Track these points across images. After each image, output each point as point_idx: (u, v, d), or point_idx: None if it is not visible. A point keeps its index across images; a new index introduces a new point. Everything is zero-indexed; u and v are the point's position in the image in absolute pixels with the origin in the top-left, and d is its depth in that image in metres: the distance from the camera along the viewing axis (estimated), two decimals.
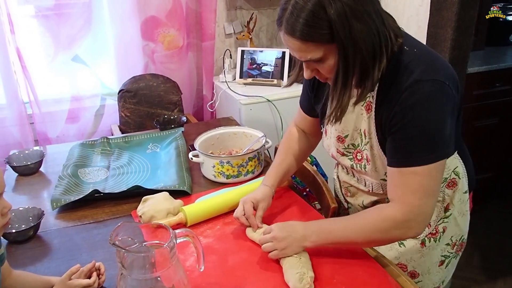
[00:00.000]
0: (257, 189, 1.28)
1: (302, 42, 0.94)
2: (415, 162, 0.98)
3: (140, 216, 1.27)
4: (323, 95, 1.20)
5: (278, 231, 1.09)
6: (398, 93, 0.98)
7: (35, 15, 2.29)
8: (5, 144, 2.34)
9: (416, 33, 2.17)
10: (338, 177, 1.34)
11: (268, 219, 1.27)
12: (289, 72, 2.46)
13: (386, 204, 1.06)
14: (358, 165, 1.17)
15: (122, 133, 2.40)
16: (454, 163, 1.15)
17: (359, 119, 1.11)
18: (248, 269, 1.10)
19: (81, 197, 1.39)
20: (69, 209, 1.39)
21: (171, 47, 2.56)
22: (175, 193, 1.39)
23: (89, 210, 1.39)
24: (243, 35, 2.68)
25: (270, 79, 2.52)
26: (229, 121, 2.10)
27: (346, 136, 1.16)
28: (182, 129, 1.90)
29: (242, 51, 2.57)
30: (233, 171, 1.49)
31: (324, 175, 1.98)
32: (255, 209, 1.22)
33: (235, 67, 2.64)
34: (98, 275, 1.04)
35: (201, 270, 1.01)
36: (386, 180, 1.13)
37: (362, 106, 1.09)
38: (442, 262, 1.24)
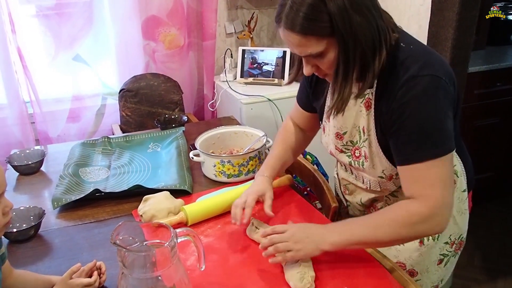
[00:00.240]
0: (256, 180, 1.27)
1: (302, 36, 0.94)
2: (425, 157, 0.97)
3: (141, 216, 1.27)
4: (322, 92, 1.21)
5: (296, 231, 1.04)
6: (395, 89, 0.98)
7: (36, 14, 2.29)
8: (6, 143, 2.34)
9: (417, 33, 2.17)
10: (337, 175, 1.35)
11: (268, 219, 1.26)
12: (289, 71, 2.46)
13: (408, 200, 1.02)
14: (356, 162, 1.17)
15: (123, 132, 2.40)
16: (452, 161, 1.14)
17: (358, 116, 1.12)
18: (249, 268, 1.10)
19: (82, 196, 1.39)
20: (70, 208, 1.39)
21: (172, 46, 2.56)
22: (176, 193, 1.39)
23: (90, 209, 1.39)
24: (244, 35, 2.68)
25: (271, 79, 2.52)
26: (230, 121, 2.10)
27: (345, 133, 1.17)
28: (183, 128, 1.90)
29: (243, 51, 2.57)
30: (234, 171, 1.49)
31: (325, 175, 1.98)
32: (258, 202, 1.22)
33: (236, 67, 2.64)
34: (99, 274, 1.04)
35: (202, 269, 1.01)
36: (383, 178, 1.13)
37: (361, 103, 1.10)
38: (440, 261, 1.23)
